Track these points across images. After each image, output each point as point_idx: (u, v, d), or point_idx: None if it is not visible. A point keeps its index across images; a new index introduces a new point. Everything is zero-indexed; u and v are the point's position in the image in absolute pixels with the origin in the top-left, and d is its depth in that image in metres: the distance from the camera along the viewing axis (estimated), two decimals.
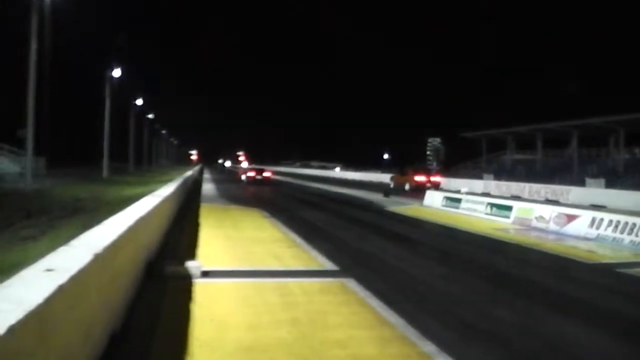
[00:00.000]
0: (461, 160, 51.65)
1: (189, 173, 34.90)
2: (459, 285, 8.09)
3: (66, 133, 61.45)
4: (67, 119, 60.90)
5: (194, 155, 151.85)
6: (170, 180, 25.31)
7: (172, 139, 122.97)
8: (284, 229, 13.63)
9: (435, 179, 38.04)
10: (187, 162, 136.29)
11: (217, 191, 30.10)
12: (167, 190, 13.37)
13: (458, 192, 23.98)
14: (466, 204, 19.89)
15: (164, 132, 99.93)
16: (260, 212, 17.70)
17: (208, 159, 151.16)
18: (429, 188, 35.09)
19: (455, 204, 20.48)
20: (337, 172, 74.00)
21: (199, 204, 19.65)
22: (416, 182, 36.57)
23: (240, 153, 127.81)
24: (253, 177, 41.58)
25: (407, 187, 36.41)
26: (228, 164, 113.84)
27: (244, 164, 70.78)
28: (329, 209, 21.45)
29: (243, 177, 43.73)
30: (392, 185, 38.35)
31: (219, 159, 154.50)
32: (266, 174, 42.24)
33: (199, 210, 17.01)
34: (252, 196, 27.92)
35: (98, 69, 41.21)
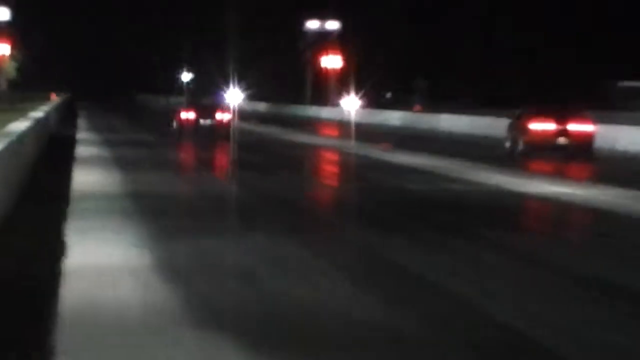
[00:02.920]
0: None
1: None
2: None
3: None
4: None
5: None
6: None
7: None
8: None
9: (578, 127, 23.95)
10: None
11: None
12: None
13: None
14: None
15: None
16: None
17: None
18: (563, 148, 23.43)
19: None
20: None
21: None
22: (534, 134, 24.08)
23: None
24: (193, 123, 30.18)
25: (520, 146, 24.62)
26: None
27: None
28: None
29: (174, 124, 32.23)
30: (507, 144, 25.91)
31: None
32: (220, 116, 30.78)
33: None
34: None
35: None
